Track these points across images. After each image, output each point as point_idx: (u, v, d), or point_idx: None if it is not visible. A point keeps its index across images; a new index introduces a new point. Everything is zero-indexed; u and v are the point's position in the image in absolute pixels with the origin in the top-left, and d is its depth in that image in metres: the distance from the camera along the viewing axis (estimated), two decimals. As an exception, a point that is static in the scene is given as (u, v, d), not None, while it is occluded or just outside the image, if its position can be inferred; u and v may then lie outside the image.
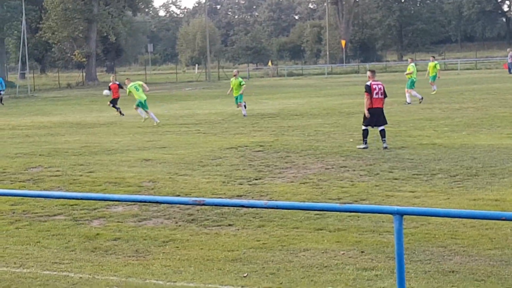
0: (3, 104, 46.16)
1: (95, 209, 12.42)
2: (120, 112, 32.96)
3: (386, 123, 18.92)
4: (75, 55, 79.95)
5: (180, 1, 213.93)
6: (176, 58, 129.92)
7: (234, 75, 31.22)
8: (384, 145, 18.50)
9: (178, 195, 13.23)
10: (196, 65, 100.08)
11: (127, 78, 30.64)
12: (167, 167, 16.67)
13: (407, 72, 34.38)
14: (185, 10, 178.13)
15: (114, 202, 12.45)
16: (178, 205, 12.14)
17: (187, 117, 30.98)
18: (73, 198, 10.67)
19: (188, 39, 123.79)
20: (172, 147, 20.43)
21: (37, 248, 10.14)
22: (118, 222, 11.54)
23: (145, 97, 28.53)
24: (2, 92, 47.44)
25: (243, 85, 30.65)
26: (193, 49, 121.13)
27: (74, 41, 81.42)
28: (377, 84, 18.65)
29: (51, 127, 28.55)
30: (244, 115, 29.77)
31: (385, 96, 18.85)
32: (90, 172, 16.28)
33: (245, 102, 30.95)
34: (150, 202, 7.63)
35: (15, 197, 12.98)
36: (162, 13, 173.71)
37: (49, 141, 23.19)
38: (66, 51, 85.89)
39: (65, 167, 17.15)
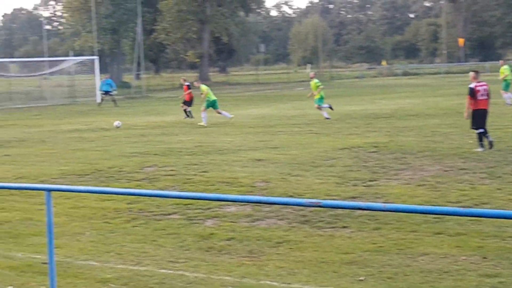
0: (117, 105, 47.40)
1: (208, 208, 12.52)
2: (188, 115, 32.85)
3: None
4: (188, 55, 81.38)
5: (292, 1, 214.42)
6: (287, 58, 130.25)
7: (311, 77, 31.06)
8: (490, 139, 18.28)
9: (291, 196, 13.18)
10: (308, 64, 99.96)
11: (195, 81, 31.70)
12: (279, 167, 16.66)
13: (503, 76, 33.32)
14: (298, 10, 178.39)
15: (228, 202, 12.52)
16: (291, 206, 12.10)
17: (299, 117, 30.93)
18: (189, 198, 10.75)
19: (300, 39, 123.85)
20: (285, 147, 20.42)
21: (153, 247, 10.29)
22: (232, 222, 11.58)
23: (215, 98, 29.81)
24: (113, 93, 48.69)
25: (319, 86, 30.24)
26: (305, 48, 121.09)
27: (187, 42, 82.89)
28: (482, 86, 18.25)
29: (165, 127, 29.10)
30: (326, 118, 29.22)
31: (489, 97, 18.43)
32: (204, 171, 16.45)
33: (329, 104, 30.46)
34: (265, 203, 7.59)
35: (132, 196, 13.25)
36: (274, 13, 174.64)
37: (163, 141, 23.64)
38: (180, 52, 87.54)
39: (179, 166, 17.41)
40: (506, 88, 32.79)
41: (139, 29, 66.02)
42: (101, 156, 20.19)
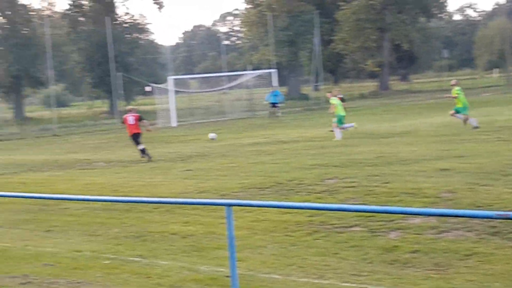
0: (277, 117, 47.61)
1: (391, 220, 12.36)
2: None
3: None
4: (367, 65, 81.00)
5: (476, 3, 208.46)
6: (472, 63, 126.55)
7: (452, 85, 30.19)
8: None
9: (479, 207, 12.75)
10: (495, 69, 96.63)
11: (328, 92, 31.40)
12: (466, 177, 16.15)
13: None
14: (483, 13, 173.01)
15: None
16: (479, 217, 11.70)
17: (486, 124, 29.89)
18: (369, 211, 10.71)
19: (486, 43, 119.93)
20: (471, 155, 19.79)
21: (335, 260, 10.29)
22: (416, 234, 11.37)
23: (344, 113, 30.35)
24: (279, 105, 49.20)
25: (458, 94, 29.48)
26: (491, 52, 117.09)
27: (366, 51, 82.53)
28: None
29: (345, 138, 29.06)
30: (474, 127, 28.01)
31: None
32: (386, 183, 16.25)
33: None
34: (450, 216, 7.38)
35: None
36: (457, 17, 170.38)
37: (343, 152, 23.60)
38: (359, 61, 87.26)
39: (360, 178, 17.30)
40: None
41: (316, 40, 66.55)
42: (281, 169, 20.45)
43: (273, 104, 49.39)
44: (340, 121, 30.04)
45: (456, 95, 30.27)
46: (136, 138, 27.24)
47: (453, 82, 31.22)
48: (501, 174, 16.16)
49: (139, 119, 27.56)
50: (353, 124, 30.86)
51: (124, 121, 27.91)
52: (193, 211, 14.65)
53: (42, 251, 12.30)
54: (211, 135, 33.47)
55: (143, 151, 26.84)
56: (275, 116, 48.00)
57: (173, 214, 14.65)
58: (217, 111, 59.88)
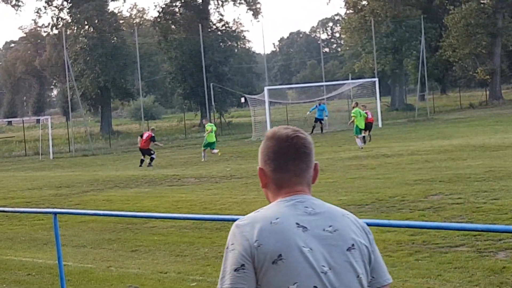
0: (313, 133, 47.18)
1: (500, 239, 12.15)
2: None
3: None
4: (477, 72, 79.61)
5: None
6: None
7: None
8: None
9: None
10: None
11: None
12: None
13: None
14: None
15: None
16: None
17: None
18: (475, 230, 10.53)
19: None
20: None
21: (438, 282, 10.18)
22: (528, 254, 11.15)
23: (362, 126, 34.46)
24: (324, 120, 48.86)
25: None
26: None
27: (476, 58, 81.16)
28: None
29: (452, 151, 28.68)
30: None
31: None
32: (495, 199, 16.00)
33: None
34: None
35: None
36: None
37: (450, 166, 23.31)
38: (468, 69, 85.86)
39: (467, 194, 17.08)
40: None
41: (422, 46, 65.88)
42: (382, 184, 20.37)
43: (319, 120, 48.81)
44: (357, 131, 34.95)
45: (353, 117, 33.90)
46: (142, 151, 35.31)
47: (353, 104, 32.02)
48: None
49: (151, 138, 35.44)
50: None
51: (142, 135, 36.28)
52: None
53: (126, 272, 12.56)
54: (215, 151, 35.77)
55: (141, 161, 35.04)
56: (315, 132, 47.22)
57: (265, 232, 14.71)
58: (324, 123, 59.98)
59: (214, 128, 37.98)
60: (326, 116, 51.38)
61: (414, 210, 15.81)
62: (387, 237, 13.19)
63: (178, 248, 14.14)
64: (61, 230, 12.73)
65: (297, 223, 3.14)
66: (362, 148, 34.13)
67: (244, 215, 11.24)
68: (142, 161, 35.22)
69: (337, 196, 18.70)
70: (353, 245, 3.20)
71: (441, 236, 12.80)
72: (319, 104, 49.99)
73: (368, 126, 37.67)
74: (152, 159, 34.82)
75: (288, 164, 3.27)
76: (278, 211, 3.18)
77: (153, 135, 36.08)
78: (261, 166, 3.31)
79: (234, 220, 12.56)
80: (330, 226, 3.21)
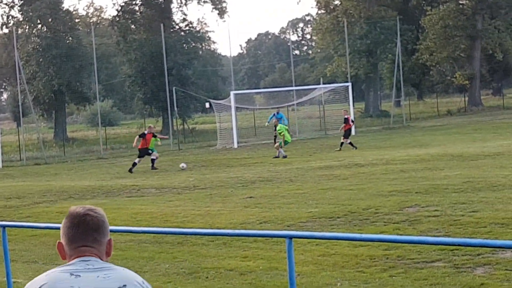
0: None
1: (479, 254, 12.28)
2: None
3: None
4: (456, 77, 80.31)
5: None
6: None
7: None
8: None
9: None
10: None
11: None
12: None
13: None
14: None
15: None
16: None
17: None
18: (452, 245, 10.66)
19: None
20: None
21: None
22: (507, 270, 11.29)
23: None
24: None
25: None
26: None
27: (454, 61, 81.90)
28: None
29: (429, 161, 28.91)
30: None
31: None
32: (473, 211, 16.18)
33: None
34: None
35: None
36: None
37: (426, 177, 23.50)
38: (446, 74, 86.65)
39: (444, 206, 17.25)
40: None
41: (398, 49, 66.35)
42: (355, 195, 20.48)
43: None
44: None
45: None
46: (141, 152, 35.82)
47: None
48: None
49: (153, 136, 36.15)
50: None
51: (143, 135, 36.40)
52: (254, 244, 14.75)
53: None
54: (182, 164, 35.54)
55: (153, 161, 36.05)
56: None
57: (230, 248, 14.78)
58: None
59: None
60: (286, 124, 51.54)
61: (389, 223, 15.92)
62: (360, 252, 13.27)
63: (137, 263, 14.11)
64: (11, 245, 12.64)
65: (71, 273, 3.72)
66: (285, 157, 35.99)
67: (208, 228, 11.34)
68: (152, 161, 36.30)
69: (307, 209, 18.78)
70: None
71: (416, 250, 12.91)
72: (277, 113, 50.17)
73: (347, 133, 38.61)
74: (153, 160, 36.08)
75: (79, 238, 3.88)
76: (50, 273, 3.77)
77: (152, 132, 36.90)
78: (60, 240, 3.94)
79: (197, 234, 12.62)
80: (107, 275, 3.78)
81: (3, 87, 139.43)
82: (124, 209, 21.86)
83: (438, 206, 17.28)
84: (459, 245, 11.45)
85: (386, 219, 16.36)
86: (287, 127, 37.24)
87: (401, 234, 14.35)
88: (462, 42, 78.20)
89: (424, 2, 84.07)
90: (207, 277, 12.69)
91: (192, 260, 14.04)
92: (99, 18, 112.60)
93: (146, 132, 36.84)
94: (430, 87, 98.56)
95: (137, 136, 37.37)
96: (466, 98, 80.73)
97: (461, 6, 78.35)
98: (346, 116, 40.71)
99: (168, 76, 61.01)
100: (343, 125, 40.19)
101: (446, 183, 21.36)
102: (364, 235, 9.21)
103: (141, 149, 36.00)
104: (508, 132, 38.28)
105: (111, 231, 4.11)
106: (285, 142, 37.23)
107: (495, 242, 7.87)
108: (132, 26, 79.67)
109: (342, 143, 39.06)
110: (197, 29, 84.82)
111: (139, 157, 35.97)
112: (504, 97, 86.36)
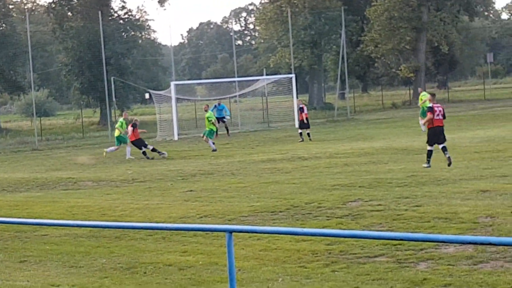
0: (228, 134, 48.20)
1: (422, 249, 12.45)
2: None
3: (446, 140, 23.81)
4: (401, 69, 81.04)
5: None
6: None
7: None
8: (447, 155, 23.18)
9: (523, 234, 12.88)
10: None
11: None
12: (508, 199, 16.28)
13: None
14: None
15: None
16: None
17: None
18: (395, 239, 10.75)
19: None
20: (516, 176, 19.92)
21: (354, 294, 10.38)
22: (449, 265, 11.45)
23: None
24: (226, 120, 49.50)
25: None
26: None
27: (400, 54, 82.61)
28: (438, 107, 23.70)
29: (373, 154, 29.16)
30: None
31: (444, 117, 23.77)
32: (417, 206, 16.37)
33: None
34: (482, 243, 7.46)
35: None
36: (504, 16, 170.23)
37: (370, 171, 23.70)
38: (391, 66, 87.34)
39: (388, 200, 17.42)
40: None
41: (343, 40, 66.73)
42: (298, 189, 20.58)
43: (220, 119, 49.28)
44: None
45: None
46: (136, 143, 35.47)
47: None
48: (551, 197, 16.24)
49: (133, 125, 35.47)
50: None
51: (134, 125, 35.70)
52: (193, 239, 14.76)
53: (13, 285, 12.38)
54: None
55: (144, 153, 35.19)
56: (222, 133, 47.53)
57: (169, 242, 14.77)
58: (227, 122, 60.07)
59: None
60: (228, 115, 51.57)
61: (332, 217, 16.04)
62: (302, 247, 13.36)
63: (73, 258, 14.02)
64: None
65: None
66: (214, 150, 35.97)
67: (147, 222, 11.28)
68: (144, 153, 35.60)
69: (249, 202, 18.83)
70: None
71: (359, 245, 13.03)
72: (219, 104, 50.23)
73: (304, 124, 38.80)
74: (144, 153, 35.46)
75: None
76: None
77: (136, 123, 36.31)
78: None
79: (136, 228, 12.58)
80: None
81: None
82: (59, 202, 21.68)
83: (382, 200, 17.45)
84: (402, 239, 11.54)
85: (329, 214, 16.47)
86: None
87: (344, 229, 14.45)
88: (408, 34, 78.89)
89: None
90: (145, 273, 12.66)
91: (130, 255, 14.00)
92: (34, 4, 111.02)
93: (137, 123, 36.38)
94: (375, 80, 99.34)
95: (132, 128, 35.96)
96: (411, 91, 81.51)
97: (406, -3, 78.96)
98: (301, 106, 40.82)
99: (106, 65, 60.59)
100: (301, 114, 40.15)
101: (390, 177, 21.56)
102: (306, 230, 9.27)
103: (135, 141, 35.65)
104: (453, 126, 38.71)
105: (46, 224, 4.05)
106: (211, 132, 36.87)
107: (438, 237, 7.99)
108: (69, 13, 78.86)
109: (300, 133, 39.38)
110: (137, 17, 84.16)
111: (139, 148, 35.65)
112: (449, 90, 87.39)
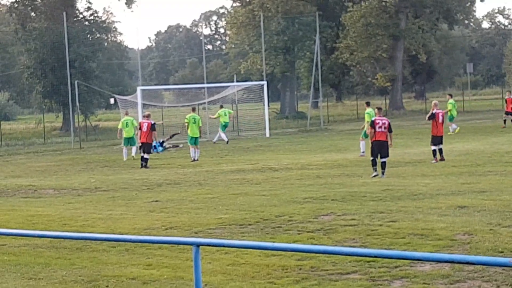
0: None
1: (396, 266, 12.47)
2: None
3: (388, 156, 25.51)
4: (377, 78, 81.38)
5: (509, 9, 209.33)
6: (502, 80, 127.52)
7: None
8: (383, 176, 24.80)
9: (501, 252, 12.93)
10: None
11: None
12: (487, 216, 16.35)
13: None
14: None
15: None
16: (500, 265, 11.83)
17: (516, 155, 30.22)
18: (369, 256, 10.78)
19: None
20: (495, 191, 20.01)
21: (325, 313, 10.37)
22: (425, 283, 11.49)
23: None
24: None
25: None
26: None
27: (376, 62, 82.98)
28: (381, 120, 25.43)
29: (347, 166, 29.22)
30: None
31: (390, 131, 25.64)
32: (392, 221, 16.40)
33: None
34: (459, 262, 7.47)
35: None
36: (485, 25, 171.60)
37: (343, 183, 23.74)
38: (367, 75, 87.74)
39: (361, 214, 17.43)
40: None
41: (317, 47, 66.89)
42: (268, 202, 20.56)
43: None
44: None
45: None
46: (145, 146, 34.01)
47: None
48: (530, 214, 16.34)
49: (151, 127, 34.00)
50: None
51: (140, 127, 34.71)
52: (158, 251, 14.70)
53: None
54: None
55: (145, 160, 33.67)
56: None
57: (133, 255, 14.70)
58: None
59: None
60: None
61: (303, 231, 16.02)
62: (272, 262, 13.34)
63: (32, 270, 13.91)
64: None
65: None
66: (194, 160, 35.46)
67: (110, 233, 11.21)
68: (143, 159, 34.09)
69: (217, 214, 18.78)
70: None
71: (331, 261, 13.03)
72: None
73: None
74: (146, 160, 33.98)
75: None
76: None
77: (153, 122, 35.08)
78: None
79: (98, 239, 12.50)
80: None
81: None
82: (18, 211, 21.52)
83: (355, 214, 17.46)
84: (376, 256, 11.57)
85: (300, 228, 16.45)
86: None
87: (315, 244, 14.45)
88: (384, 41, 79.23)
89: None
90: (107, 286, 12.60)
91: (92, 267, 13.92)
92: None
93: (146, 122, 34.54)
94: (349, 88, 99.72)
95: (154, 132, 34.98)
96: (387, 101, 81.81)
97: (384, 3, 79.29)
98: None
99: (70, 68, 60.27)
100: None
101: (364, 190, 21.59)
102: (276, 244, 9.25)
103: (145, 143, 34.19)
104: (430, 138, 38.81)
105: (4, 234, 4.01)
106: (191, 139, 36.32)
107: (414, 254, 7.99)
108: (32, 14, 78.51)
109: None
110: (103, 18, 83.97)
111: (149, 152, 34.51)
112: (427, 101, 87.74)
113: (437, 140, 29.52)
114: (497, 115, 65.74)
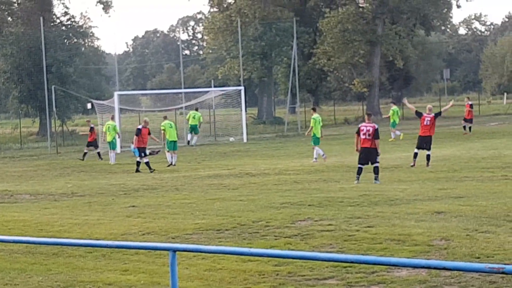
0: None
1: (373, 272, 12.48)
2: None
3: (377, 162, 25.01)
4: (354, 84, 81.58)
5: (485, 15, 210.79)
6: (479, 86, 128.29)
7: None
8: (377, 182, 24.60)
9: (478, 258, 12.96)
10: (505, 94, 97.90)
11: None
12: (464, 221, 16.39)
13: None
14: (492, 27, 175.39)
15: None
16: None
17: (492, 160, 30.35)
18: (346, 261, 10.78)
19: (494, 62, 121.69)
20: (471, 196, 20.07)
21: (302, 318, 10.36)
22: (402, 289, 11.50)
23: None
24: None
25: None
26: (501, 74, 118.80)
27: (353, 67, 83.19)
28: (366, 126, 25.20)
29: (324, 172, 29.25)
30: None
31: (376, 137, 24.91)
32: (369, 226, 16.41)
33: None
34: (436, 268, 7.48)
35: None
36: (462, 31, 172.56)
37: (321, 189, 23.76)
38: (344, 80, 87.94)
39: (339, 220, 17.44)
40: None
41: (294, 53, 67.01)
42: (245, 207, 20.53)
43: None
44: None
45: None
46: (140, 150, 34.02)
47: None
48: (506, 219, 16.39)
49: (148, 132, 34.64)
50: None
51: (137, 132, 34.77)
52: (135, 257, 14.64)
53: None
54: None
55: (138, 164, 33.87)
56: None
57: (110, 260, 14.64)
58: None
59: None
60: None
61: (280, 237, 16.00)
62: (248, 267, 13.32)
63: (7, 275, 13.85)
64: None
65: None
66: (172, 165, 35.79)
67: (86, 238, 11.14)
68: (138, 163, 34.23)
69: (193, 220, 18.74)
70: None
71: (308, 267, 13.02)
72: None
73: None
74: (138, 163, 34.14)
75: None
76: None
77: (139, 127, 35.55)
78: None
79: (74, 245, 12.42)
80: None
81: None
82: (-6, 217, 21.41)
83: (332, 220, 17.46)
84: (352, 262, 11.55)
85: (277, 233, 16.44)
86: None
87: (292, 249, 14.44)
88: (362, 47, 79.42)
89: (322, 3, 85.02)
90: (83, 292, 12.53)
91: (68, 272, 13.85)
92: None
93: (141, 127, 35.10)
94: (327, 94, 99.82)
95: (135, 136, 34.84)
96: (365, 107, 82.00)
97: (361, 9, 79.61)
98: None
99: (47, 73, 60.10)
100: None
101: (342, 196, 21.61)
102: (253, 250, 9.23)
103: (140, 148, 34.09)
104: (408, 144, 39.01)
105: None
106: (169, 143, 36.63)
107: (390, 260, 8.00)
108: (9, 18, 78.28)
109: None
110: (80, 23, 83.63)
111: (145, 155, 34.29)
112: (404, 107, 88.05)
113: (420, 140, 29.60)
114: (474, 121, 66.07)
